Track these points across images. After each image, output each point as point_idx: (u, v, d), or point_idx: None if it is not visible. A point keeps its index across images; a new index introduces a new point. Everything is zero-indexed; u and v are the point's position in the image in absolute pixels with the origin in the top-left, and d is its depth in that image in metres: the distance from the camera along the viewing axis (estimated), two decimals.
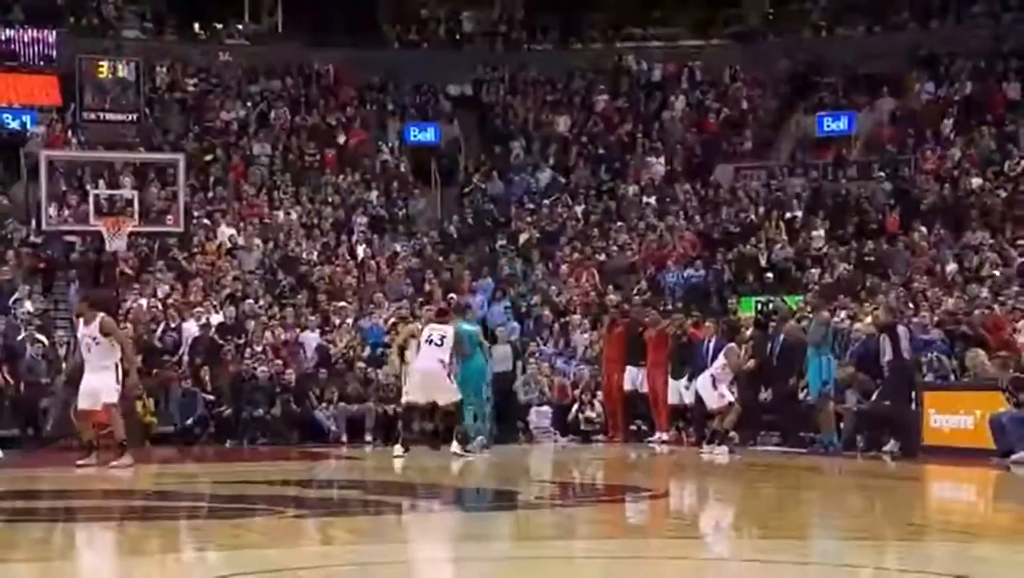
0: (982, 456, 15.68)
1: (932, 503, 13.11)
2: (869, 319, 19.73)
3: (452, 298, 22.15)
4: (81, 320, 14.91)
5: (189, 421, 20.70)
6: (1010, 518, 11.44)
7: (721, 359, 17.96)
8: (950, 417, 16.86)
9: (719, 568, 8.15)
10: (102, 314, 14.71)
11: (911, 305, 20.65)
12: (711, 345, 19.00)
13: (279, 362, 21.24)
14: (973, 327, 19.02)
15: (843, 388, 18.48)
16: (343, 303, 23.78)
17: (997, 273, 22.48)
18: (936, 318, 19.78)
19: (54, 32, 32.23)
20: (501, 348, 21.68)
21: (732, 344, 18.43)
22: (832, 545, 9.14)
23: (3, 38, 31.87)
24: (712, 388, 17.86)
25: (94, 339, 14.51)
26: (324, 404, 21.16)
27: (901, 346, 17.19)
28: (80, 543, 9.54)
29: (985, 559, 8.35)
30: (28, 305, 22.12)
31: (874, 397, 18.06)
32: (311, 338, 22.30)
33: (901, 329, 17.66)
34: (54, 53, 31.73)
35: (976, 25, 33.56)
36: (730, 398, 17.80)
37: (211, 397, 20.87)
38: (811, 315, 19.28)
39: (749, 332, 19.84)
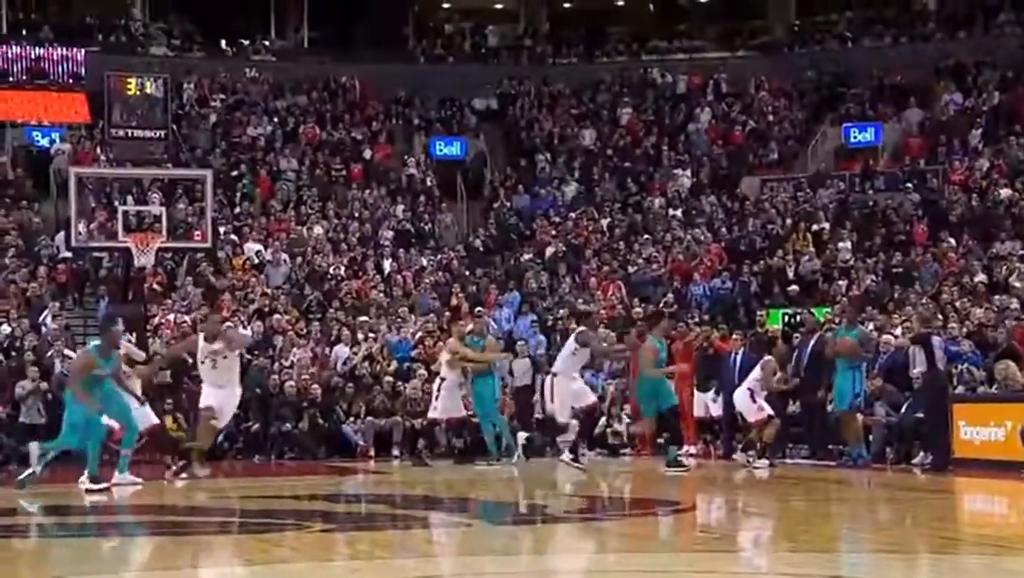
0: (1014, 468, 15.57)
1: (963, 515, 13.05)
2: (899, 331, 19.67)
3: (480, 312, 22.18)
4: (203, 337, 14.90)
5: (219, 436, 20.70)
6: None
7: (758, 372, 17.88)
8: (981, 429, 16.73)
9: None
10: (226, 328, 14.79)
11: (940, 317, 20.56)
12: (738, 358, 18.99)
13: (306, 377, 21.26)
14: (1003, 338, 18.93)
15: (872, 400, 18.42)
16: (368, 318, 23.82)
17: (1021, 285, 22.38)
18: (965, 329, 19.70)
19: (82, 50, 32.43)
20: (521, 362, 21.70)
21: (770, 357, 18.32)
22: (863, 558, 9.11)
23: (32, 56, 32.06)
24: (751, 401, 17.78)
25: (223, 356, 14.51)
26: (351, 418, 21.19)
27: (936, 357, 17.00)
28: (110, 558, 9.58)
29: (1018, 573, 8.31)
30: (50, 321, 22.17)
31: (904, 409, 17.99)
32: (340, 352, 22.34)
33: (936, 340, 17.50)
34: (83, 71, 31.92)
35: (1003, 35, 33.51)
36: (769, 411, 17.73)
37: (238, 412, 20.90)
38: (844, 326, 19.06)
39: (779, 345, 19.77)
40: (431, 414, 19.18)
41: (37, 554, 10.00)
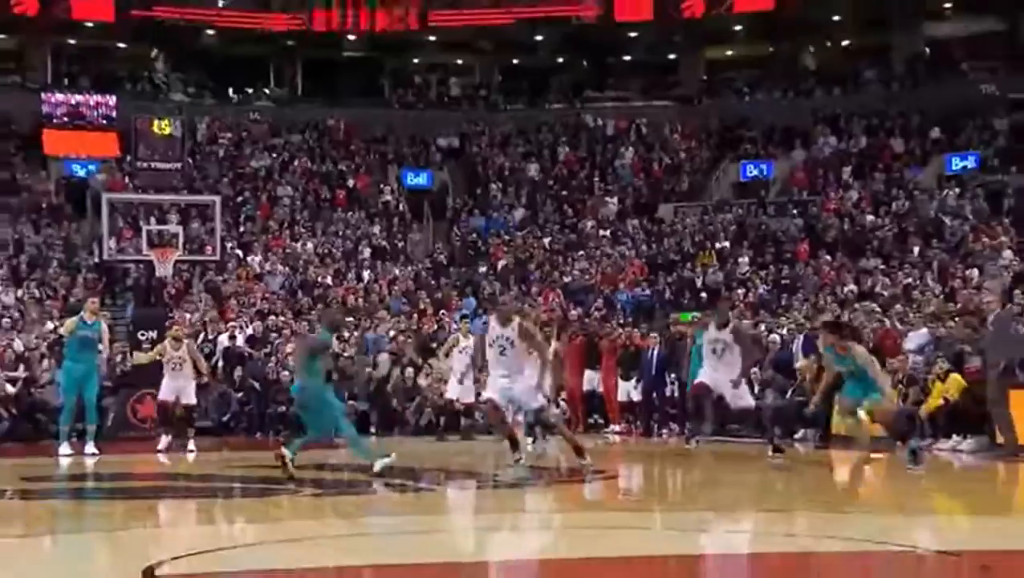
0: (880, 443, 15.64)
1: (837, 483, 13.13)
2: (784, 330, 19.80)
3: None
4: (496, 320, 12.55)
5: (225, 417, 20.66)
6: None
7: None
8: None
9: (661, 535, 8.23)
10: (518, 318, 12.41)
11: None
12: (655, 353, 19.12)
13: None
14: (870, 338, 19.03)
15: (763, 388, 18.47)
16: (351, 318, 23.79)
17: (886, 293, 22.61)
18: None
19: (114, 97, 32.25)
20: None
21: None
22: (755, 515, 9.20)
23: (72, 102, 31.95)
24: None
25: (510, 341, 12.21)
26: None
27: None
28: (134, 516, 9.56)
29: (853, 526, 8.41)
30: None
31: (789, 394, 18.03)
32: None
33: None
34: (114, 114, 31.74)
35: (868, 91, 33.87)
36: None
37: (242, 396, 20.84)
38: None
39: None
40: (448, 395, 18.77)
41: (74, 512, 9.95)
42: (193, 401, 16.41)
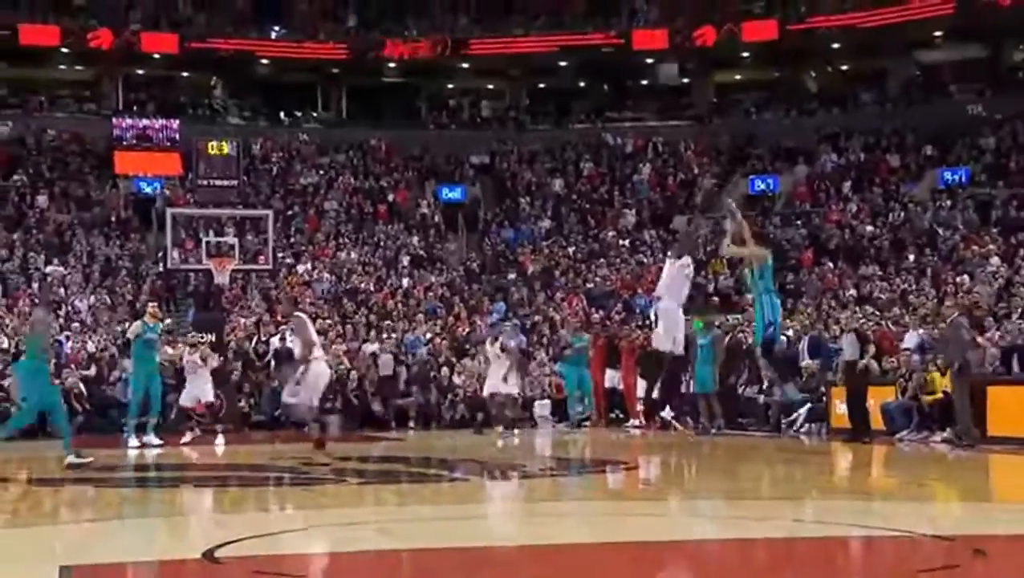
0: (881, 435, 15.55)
1: (847, 470, 13.07)
2: (791, 331, 19.64)
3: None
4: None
5: (276, 412, 20.67)
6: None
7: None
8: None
9: (674, 521, 8.20)
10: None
11: (823, 321, 20.58)
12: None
13: (344, 366, 21.18)
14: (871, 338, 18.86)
15: (770, 385, 18.40)
16: (390, 321, 23.82)
17: (884, 297, 22.47)
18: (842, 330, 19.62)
19: (177, 121, 32.54)
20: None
21: None
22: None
23: (140, 126, 32.33)
24: None
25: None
26: (377, 397, 21.09)
27: (863, 349, 15.90)
28: (188, 504, 9.59)
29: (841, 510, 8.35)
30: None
31: (795, 391, 17.92)
32: (368, 348, 22.28)
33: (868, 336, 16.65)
34: (177, 136, 31.98)
35: (865, 110, 33.70)
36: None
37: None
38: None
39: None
40: (486, 391, 18.21)
41: (134, 497, 10.00)
42: (211, 398, 16.58)
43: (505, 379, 17.27)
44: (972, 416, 14.35)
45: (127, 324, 21.54)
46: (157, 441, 15.24)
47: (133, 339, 15.66)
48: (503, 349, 17.50)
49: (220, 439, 16.17)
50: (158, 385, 15.69)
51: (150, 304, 16.79)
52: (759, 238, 13.76)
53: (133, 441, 15.09)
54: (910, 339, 17.32)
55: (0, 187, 29.95)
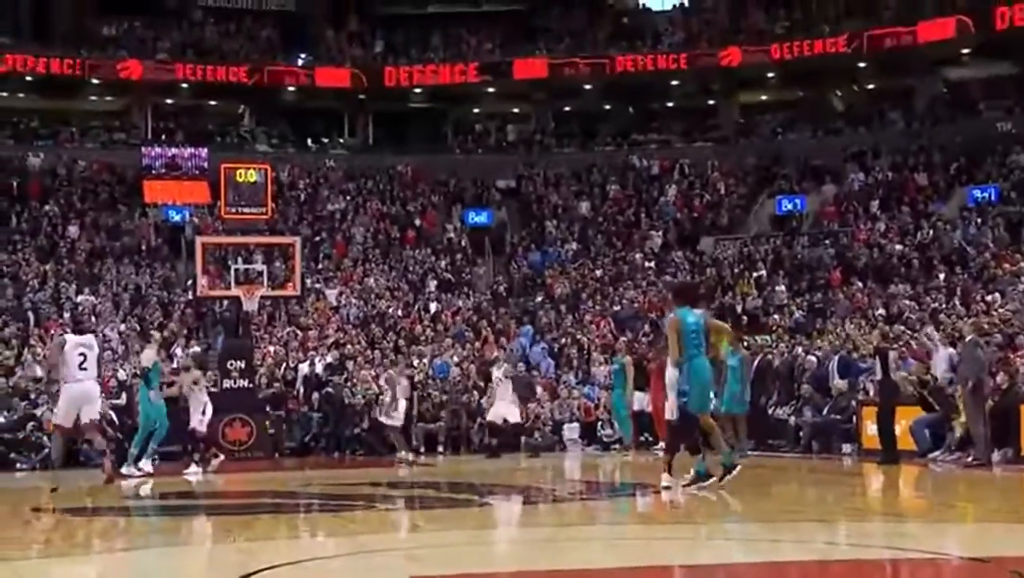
0: (909, 456, 15.46)
1: (860, 490, 12.95)
2: (820, 352, 19.54)
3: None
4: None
5: (306, 438, 20.75)
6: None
7: None
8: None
9: (704, 544, 8.16)
10: None
11: (851, 341, 20.43)
12: None
13: (373, 391, 21.20)
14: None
15: (801, 405, 18.30)
16: (418, 346, 23.86)
17: (914, 316, 22.31)
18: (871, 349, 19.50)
19: (205, 149, 32.83)
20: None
21: None
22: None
23: (169, 155, 32.67)
24: None
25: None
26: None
27: (890, 367, 15.81)
28: (218, 530, 9.62)
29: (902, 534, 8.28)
30: (179, 351, 22.21)
31: (825, 412, 17.83)
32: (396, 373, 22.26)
33: (892, 353, 16.60)
34: (205, 164, 32.24)
35: (892, 129, 33.56)
36: None
37: (320, 416, 20.90)
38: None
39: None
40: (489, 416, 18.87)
41: (166, 527, 10.04)
42: (196, 426, 16.61)
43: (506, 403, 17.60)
44: (988, 436, 14.25)
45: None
46: (147, 469, 15.31)
47: (149, 366, 15.78)
48: (505, 376, 17.84)
49: (214, 464, 16.22)
50: (164, 415, 15.85)
51: (153, 332, 17.09)
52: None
53: (134, 469, 15.15)
54: (941, 360, 17.18)
55: (32, 217, 30.31)
